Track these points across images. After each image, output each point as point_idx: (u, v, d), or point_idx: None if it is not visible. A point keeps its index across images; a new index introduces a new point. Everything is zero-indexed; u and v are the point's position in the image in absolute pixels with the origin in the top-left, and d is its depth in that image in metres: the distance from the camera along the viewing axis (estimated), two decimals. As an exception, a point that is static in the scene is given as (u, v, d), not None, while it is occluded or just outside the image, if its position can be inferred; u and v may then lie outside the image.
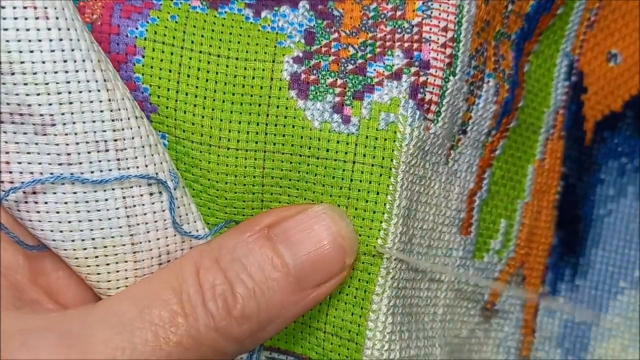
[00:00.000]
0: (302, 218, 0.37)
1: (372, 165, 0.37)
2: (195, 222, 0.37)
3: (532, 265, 0.46)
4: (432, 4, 0.37)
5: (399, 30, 0.37)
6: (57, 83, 0.33)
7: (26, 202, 0.34)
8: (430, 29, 0.37)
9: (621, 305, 0.47)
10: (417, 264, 0.39)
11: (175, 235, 0.37)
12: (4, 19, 0.32)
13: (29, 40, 0.33)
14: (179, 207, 0.37)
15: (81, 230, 0.35)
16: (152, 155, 0.36)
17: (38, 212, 0.35)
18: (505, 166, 0.44)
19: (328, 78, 0.37)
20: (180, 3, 0.37)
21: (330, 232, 0.37)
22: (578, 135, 0.46)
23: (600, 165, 0.47)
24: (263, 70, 0.37)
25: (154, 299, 0.35)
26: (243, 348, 0.36)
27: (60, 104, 0.33)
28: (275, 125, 0.37)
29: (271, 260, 0.36)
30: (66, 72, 0.33)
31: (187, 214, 0.37)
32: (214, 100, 0.37)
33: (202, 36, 0.37)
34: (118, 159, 0.35)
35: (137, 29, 0.37)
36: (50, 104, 0.33)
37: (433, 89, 0.37)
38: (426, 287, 0.41)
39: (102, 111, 0.34)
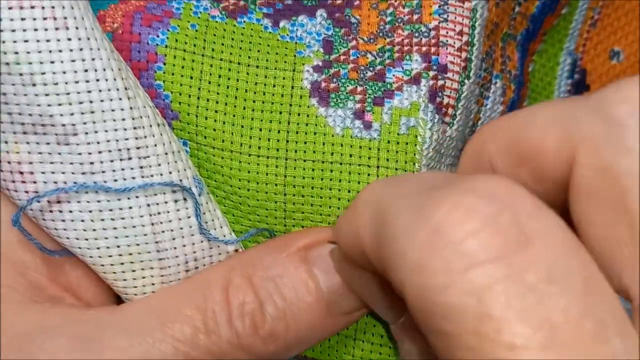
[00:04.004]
0: None
1: (396, 169, 0.34)
2: (222, 227, 0.35)
3: None
4: (448, 8, 0.35)
5: (417, 35, 0.35)
6: (78, 93, 0.31)
7: (51, 211, 0.32)
8: (447, 32, 0.35)
9: None
10: None
11: (202, 241, 0.34)
12: (24, 30, 0.30)
13: (50, 51, 0.30)
14: (204, 213, 0.34)
15: (106, 238, 0.33)
16: (175, 162, 0.33)
17: (63, 220, 0.32)
18: None
19: (348, 85, 0.35)
20: (200, 12, 0.35)
21: None
22: None
23: None
24: (283, 78, 0.35)
25: (177, 313, 0.32)
26: None
27: (82, 113, 0.31)
28: (297, 132, 0.35)
29: (306, 284, 0.33)
30: (87, 81, 0.31)
31: (213, 220, 0.35)
32: (235, 107, 0.35)
33: (222, 44, 0.35)
34: (141, 167, 0.32)
35: (158, 36, 0.35)
36: (71, 114, 0.31)
37: (450, 92, 0.35)
38: None
39: (123, 119, 0.32)
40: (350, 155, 0.34)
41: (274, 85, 0.35)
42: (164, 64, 0.35)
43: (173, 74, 0.35)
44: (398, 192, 0.27)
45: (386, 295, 0.33)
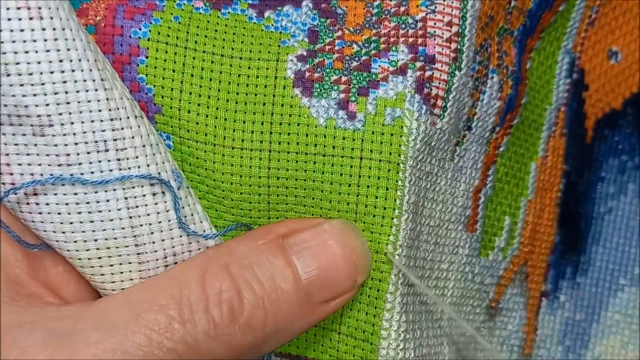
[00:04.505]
0: (317, 231, 0.34)
1: (380, 160, 0.33)
2: (201, 222, 0.34)
3: (535, 262, 0.43)
4: None
5: (403, 26, 0.34)
6: (53, 83, 0.30)
7: (27, 203, 0.32)
8: (435, 23, 0.34)
9: (621, 303, 0.44)
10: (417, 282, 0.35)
11: (181, 236, 0.33)
12: (-2, 19, 0.30)
13: (24, 41, 0.30)
14: (183, 207, 0.33)
15: (83, 232, 0.32)
16: (154, 154, 0.33)
17: (40, 213, 0.32)
18: (509, 163, 0.40)
19: (332, 75, 0.34)
20: (183, 4, 0.35)
21: (345, 249, 0.33)
22: (579, 133, 0.43)
23: (601, 163, 0.44)
24: (267, 69, 0.34)
25: (152, 303, 0.31)
26: (243, 359, 0.33)
27: (58, 104, 0.30)
28: (280, 124, 0.34)
29: (283, 271, 0.33)
30: (62, 72, 0.30)
31: (192, 214, 0.34)
32: (218, 99, 0.34)
33: (206, 36, 0.34)
34: (118, 159, 0.32)
35: (140, 29, 0.34)
36: (47, 105, 0.30)
37: (439, 83, 0.34)
38: (434, 284, 0.37)
39: (100, 111, 0.31)
40: (334, 147, 0.34)
41: (258, 77, 0.34)
42: (147, 57, 0.34)
43: (156, 67, 0.34)
44: None
45: None
